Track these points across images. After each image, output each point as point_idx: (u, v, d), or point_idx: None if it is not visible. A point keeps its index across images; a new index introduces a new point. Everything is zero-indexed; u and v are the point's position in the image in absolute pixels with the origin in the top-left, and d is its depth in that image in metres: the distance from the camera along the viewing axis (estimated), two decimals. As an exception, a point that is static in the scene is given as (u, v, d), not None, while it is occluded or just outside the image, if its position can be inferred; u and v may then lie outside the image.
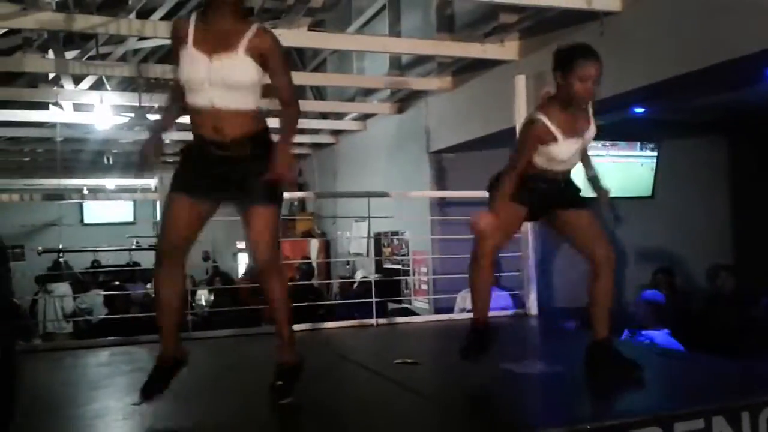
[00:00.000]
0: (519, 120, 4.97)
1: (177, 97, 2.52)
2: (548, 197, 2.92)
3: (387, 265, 7.73)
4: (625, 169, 7.04)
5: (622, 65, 4.28)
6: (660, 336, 4.36)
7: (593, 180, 3.07)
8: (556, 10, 4.36)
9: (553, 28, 4.83)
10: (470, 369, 3.25)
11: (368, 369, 3.31)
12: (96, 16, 4.58)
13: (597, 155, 6.92)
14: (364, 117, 8.47)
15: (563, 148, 2.79)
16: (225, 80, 2.33)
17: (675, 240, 7.06)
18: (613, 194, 6.33)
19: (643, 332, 4.43)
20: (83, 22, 4.44)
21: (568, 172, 2.96)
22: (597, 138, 6.65)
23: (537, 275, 4.92)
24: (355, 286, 6.03)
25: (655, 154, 7.05)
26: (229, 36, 2.34)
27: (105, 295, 6.21)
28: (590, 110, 2.90)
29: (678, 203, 7.10)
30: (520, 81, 5.03)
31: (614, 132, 6.73)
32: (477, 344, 3.05)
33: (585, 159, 3.07)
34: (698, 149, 7.34)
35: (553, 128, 2.76)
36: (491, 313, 4.84)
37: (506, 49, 5.37)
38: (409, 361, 3.30)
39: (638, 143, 7.03)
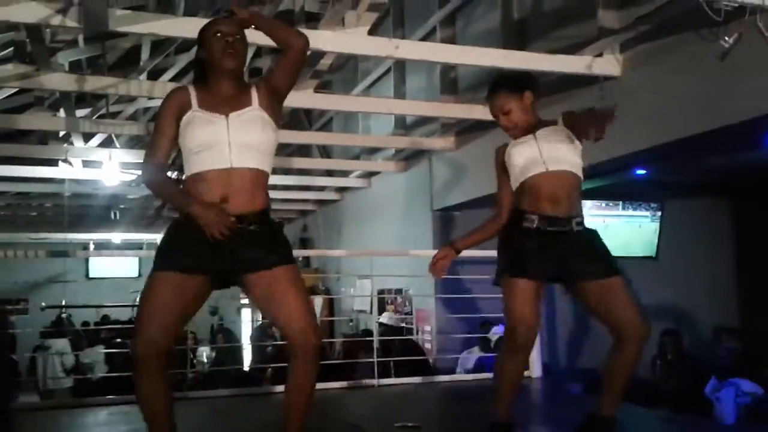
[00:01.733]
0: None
1: (163, 175, 2.32)
2: (553, 254, 2.56)
3: (390, 323, 7.66)
4: (628, 230, 7.06)
5: (623, 129, 4.30)
6: (745, 383, 4.65)
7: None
8: (556, 74, 4.44)
9: (553, 91, 4.91)
10: (471, 434, 3.19)
11: (368, 433, 3.26)
12: (107, 78, 4.70)
13: (600, 215, 6.98)
14: (369, 174, 8.55)
15: (519, 150, 2.65)
16: (245, 138, 2.23)
17: (680, 301, 7.01)
18: (617, 254, 6.25)
19: (731, 380, 4.68)
20: (95, 83, 4.56)
21: (572, 216, 2.60)
22: (601, 197, 6.74)
23: (541, 336, 4.87)
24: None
25: (659, 214, 7.07)
26: (238, 97, 2.30)
27: (106, 353, 6.17)
28: (559, 121, 2.67)
29: (682, 264, 7.07)
30: (523, 142, 5.10)
31: (617, 192, 6.78)
32: None
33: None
34: (702, 210, 7.36)
35: (509, 146, 2.72)
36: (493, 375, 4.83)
37: (508, 111, 5.45)
38: (410, 425, 3.25)
39: (642, 204, 7.07)
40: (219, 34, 2.28)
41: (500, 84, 2.73)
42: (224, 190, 2.19)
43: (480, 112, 5.43)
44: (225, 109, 2.26)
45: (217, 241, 2.16)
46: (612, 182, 5.83)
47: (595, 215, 6.91)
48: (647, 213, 7.04)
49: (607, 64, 4.25)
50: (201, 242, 2.17)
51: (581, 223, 2.64)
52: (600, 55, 4.26)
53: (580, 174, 2.67)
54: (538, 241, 2.58)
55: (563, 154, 2.63)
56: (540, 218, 2.58)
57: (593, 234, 2.68)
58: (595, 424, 2.63)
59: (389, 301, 7.94)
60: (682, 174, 6.52)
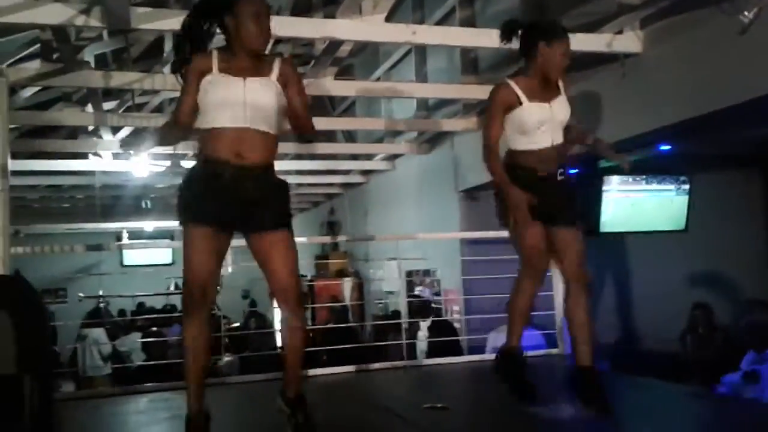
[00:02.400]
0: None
1: (183, 127, 2.56)
2: (543, 202, 2.86)
3: (424, 295, 7.71)
4: (657, 203, 6.99)
5: (646, 105, 4.32)
6: None
7: (597, 142, 3.16)
8: (576, 53, 4.40)
9: (574, 69, 4.88)
10: (498, 413, 3.25)
11: (396, 414, 3.33)
12: (132, 73, 4.79)
13: (628, 190, 6.92)
14: (393, 157, 8.58)
15: (531, 112, 2.86)
16: (259, 101, 2.46)
17: (711, 274, 6.95)
18: (646, 228, 6.32)
19: None
20: (120, 78, 4.66)
21: (556, 168, 2.93)
22: (620, 172, 6.69)
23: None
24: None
25: (686, 187, 6.99)
26: (258, 65, 2.51)
27: (142, 341, 6.34)
28: (561, 87, 2.98)
29: (713, 237, 7.00)
30: (544, 121, 5.09)
31: (645, 166, 6.71)
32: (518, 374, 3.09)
33: (579, 134, 3.11)
34: (732, 182, 7.25)
35: (518, 91, 2.87)
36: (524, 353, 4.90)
37: (530, 90, 5.43)
38: (438, 405, 3.31)
39: (670, 177, 6.99)
40: (256, 15, 2.46)
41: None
42: (238, 145, 2.44)
43: (501, 92, 5.43)
44: (243, 73, 2.47)
45: (234, 195, 2.43)
46: (640, 155, 5.78)
47: (621, 190, 6.86)
48: (672, 186, 6.96)
49: (628, 41, 4.21)
50: (218, 199, 2.45)
51: (564, 173, 2.97)
52: (620, 32, 4.22)
53: None
54: (533, 190, 2.86)
55: (563, 128, 2.96)
56: (533, 173, 2.90)
57: (571, 185, 3.05)
58: (576, 377, 2.97)
59: (418, 282, 8.01)
60: (709, 146, 6.43)
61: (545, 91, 2.91)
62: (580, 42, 4.28)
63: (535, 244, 2.93)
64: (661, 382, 4.16)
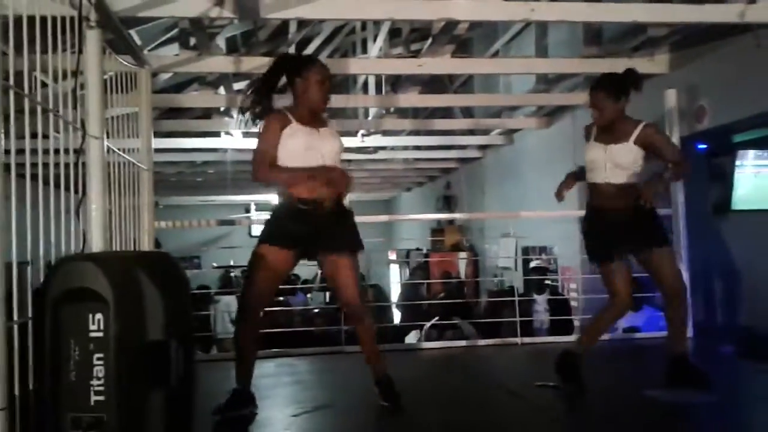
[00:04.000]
0: (670, 135, 4.84)
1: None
2: (618, 234, 3.21)
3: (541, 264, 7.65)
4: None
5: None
6: None
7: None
8: (705, 24, 4.20)
9: (705, 41, 4.66)
10: (612, 396, 3.25)
11: (507, 390, 3.41)
12: (259, 58, 5.06)
13: (765, 165, 6.49)
14: (511, 131, 8.51)
15: (589, 151, 3.32)
16: (330, 145, 3.00)
17: None
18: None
19: None
20: (249, 63, 4.94)
21: (629, 203, 3.17)
22: (755, 146, 6.30)
23: (694, 292, 4.74)
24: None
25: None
26: (319, 120, 3.04)
27: (268, 309, 6.73)
28: (635, 130, 3.21)
29: None
30: (671, 95, 4.91)
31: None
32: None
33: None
34: None
35: (593, 132, 3.35)
36: (644, 334, 4.86)
37: (656, 63, 5.23)
38: (549, 384, 3.36)
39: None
40: (321, 82, 2.95)
41: (602, 86, 3.29)
42: (312, 184, 2.91)
43: (624, 65, 5.24)
44: (316, 125, 3.01)
45: (305, 224, 2.90)
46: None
47: (757, 166, 6.46)
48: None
49: (763, 10, 3.94)
50: (296, 226, 2.90)
51: (635, 206, 3.16)
52: (754, 1, 3.97)
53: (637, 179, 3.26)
54: (611, 228, 3.23)
55: (625, 171, 3.21)
56: (607, 212, 3.25)
57: (646, 212, 3.20)
58: (672, 364, 3.21)
59: (533, 259, 7.94)
60: None
61: (611, 135, 3.26)
62: (709, 13, 4.08)
63: (624, 293, 3.31)
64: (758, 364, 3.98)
